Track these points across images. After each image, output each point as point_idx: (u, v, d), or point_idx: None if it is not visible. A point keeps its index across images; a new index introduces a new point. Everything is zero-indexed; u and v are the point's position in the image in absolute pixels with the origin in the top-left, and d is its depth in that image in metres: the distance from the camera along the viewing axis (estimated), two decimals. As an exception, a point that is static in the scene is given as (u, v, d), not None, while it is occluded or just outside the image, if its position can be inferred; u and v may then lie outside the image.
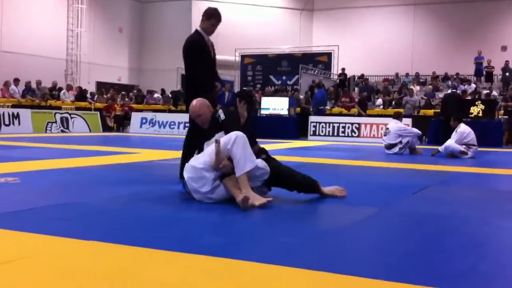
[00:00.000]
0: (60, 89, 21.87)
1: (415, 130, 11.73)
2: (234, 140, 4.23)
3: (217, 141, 4.21)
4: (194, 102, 4.74)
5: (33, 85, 20.89)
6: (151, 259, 2.73)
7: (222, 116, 4.63)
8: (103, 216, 3.89)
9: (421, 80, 26.35)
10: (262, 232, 3.54)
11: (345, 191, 4.77)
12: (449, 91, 19.65)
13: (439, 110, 16.75)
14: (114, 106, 21.50)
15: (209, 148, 4.36)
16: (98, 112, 20.58)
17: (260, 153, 4.55)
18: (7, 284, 2.31)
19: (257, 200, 4.15)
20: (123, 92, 23.59)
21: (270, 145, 13.05)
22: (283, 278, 2.51)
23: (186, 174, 4.39)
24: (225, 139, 4.27)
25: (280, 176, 4.50)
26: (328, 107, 19.63)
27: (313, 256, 2.88)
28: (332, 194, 4.69)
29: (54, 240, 3.05)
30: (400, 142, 11.03)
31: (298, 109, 19.09)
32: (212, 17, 5.96)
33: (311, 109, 18.82)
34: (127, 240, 3.06)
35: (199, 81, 5.72)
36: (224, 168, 4.23)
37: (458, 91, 18.89)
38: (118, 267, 2.61)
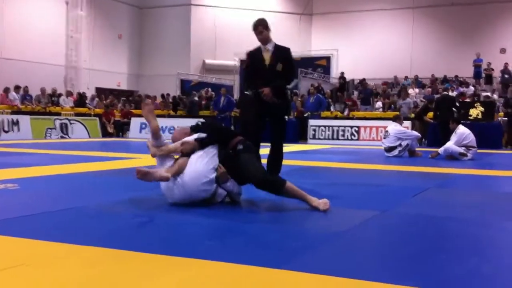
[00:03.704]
0: (60, 95, 21.90)
1: (415, 132, 11.75)
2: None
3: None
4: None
5: (36, 92, 20.86)
6: (152, 264, 2.73)
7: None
8: (103, 221, 3.88)
9: (422, 83, 26.36)
10: (265, 237, 3.53)
11: (328, 204, 4.44)
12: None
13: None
14: (113, 112, 21.53)
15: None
16: (97, 118, 20.59)
17: (235, 145, 4.61)
18: (7, 290, 2.30)
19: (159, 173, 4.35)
20: (123, 98, 23.62)
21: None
22: (288, 282, 2.50)
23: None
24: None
25: (241, 170, 4.49)
26: (333, 110, 19.79)
27: (317, 260, 2.88)
28: (317, 206, 4.40)
29: (54, 246, 3.04)
30: (400, 144, 11.02)
31: (295, 113, 19.11)
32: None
33: (308, 113, 18.76)
34: (127, 245, 3.06)
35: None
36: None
37: (450, 93, 18.86)
38: (119, 273, 2.60)
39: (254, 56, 6.38)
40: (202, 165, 4.39)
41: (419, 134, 12.04)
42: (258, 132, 6.25)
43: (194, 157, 4.46)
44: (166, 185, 4.47)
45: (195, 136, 4.65)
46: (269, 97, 6.06)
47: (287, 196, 4.46)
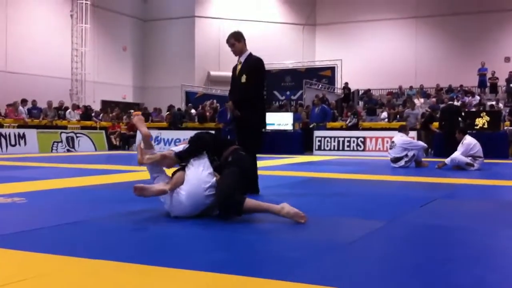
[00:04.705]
0: (66, 108, 21.99)
1: (421, 143, 11.71)
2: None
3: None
4: None
5: (42, 106, 20.95)
6: (157, 276, 2.73)
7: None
8: (109, 234, 3.89)
9: (427, 93, 26.34)
10: (267, 247, 3.53)
11: (305, 217, 4.24)
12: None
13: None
14: (119, 125, 21.62)
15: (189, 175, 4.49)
16: (103, 131, 20.66)
17: (228, 156, 4.62)
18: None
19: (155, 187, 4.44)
20: (131, 110, 23.75)
21: (275, 161, 13.04)
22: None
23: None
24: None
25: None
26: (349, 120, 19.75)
27: (320, 271, 2.87)
28: (290, 217, 4.22)
29: (61, 260, 3.05)
30: (406, 155, 11.00)
31: (300, 124, 19.12)
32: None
33: (314, 124, 18.74)
34: (132, 258, 3.06)
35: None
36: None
37: (455, 103, 18.82)
38: (125, 285, 2.60)
39: (233, 69, 6.47)
40: (199, 173, 4.40)
41: (425, 145, 12.01)
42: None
43: (189, 168, 4.47)
44: (168, 199, 4.48)
45: (180, 148, 4.68)
46: (230, 109, 6.25)
47: (250, 213, 4.35)
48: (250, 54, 6.31)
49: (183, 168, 4.53)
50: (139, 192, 4.35)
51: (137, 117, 5.09)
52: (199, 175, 4.39)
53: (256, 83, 6.25)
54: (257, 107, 6.29)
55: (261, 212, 4.35)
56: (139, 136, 20.57)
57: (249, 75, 6.17)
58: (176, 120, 21.31)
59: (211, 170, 4.46)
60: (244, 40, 6.30)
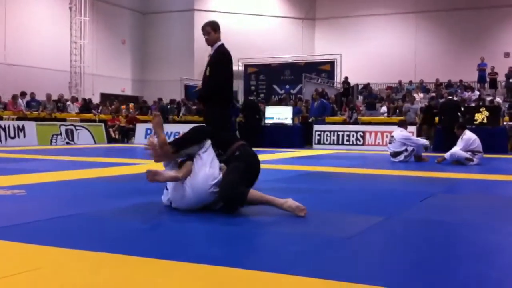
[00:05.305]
0: (65, 101, 21.96)
1: (422, 141, 11.48)
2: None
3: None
4: None
5: (41, 98, 20.92)
6: (155, 269, 2.73)
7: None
8: (107, 227, 3.89)
9: (427, 87, 26.35)
10: (268, 241, 3.53)
11: (305, 210, 4.26)
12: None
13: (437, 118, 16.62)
14: (119, 118, 21.61)
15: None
16: (102, 124, 20.64)
17: (234, 151, 4.61)
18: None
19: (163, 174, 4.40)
20: (130, 104, 23.77)
21: (275, 154, 13.04)
22: (290, 287, 2.49)
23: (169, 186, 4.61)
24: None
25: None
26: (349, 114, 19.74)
27: (320, 265, 2.87)
28: (292, 210, 4.24)
29: (60, 252, 3.05)
30: (406, 150, 11.00)
31: (300, 118, 19.12)
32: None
33: (312, 118, 18.71)
34: (130, 250, 3.06)
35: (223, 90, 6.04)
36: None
37: (455, 98, 18.82)
38: (122, 277, 2.60)
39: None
40: (206, 168, 4.37)
41: (425, 142, 11.74)
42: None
43: (197, 161, 4.43)
44: (173, 190, 4.46)
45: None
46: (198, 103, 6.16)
47: (253, 204, 4.35)
48: (221, 46, 6.08)
49: (191, 159, 4.49)
50: (152, 177, 4.31)
51: (156, 119, 4.75)
52: (207, 170, 4.36)
53: (218, 79, 6.02)
54: (221, 102, 6.09)
55: (264, 204, 4.35)
56: (138, 132, 20.58)
57: (212, 69, 6.01)
58: (164, 114, 21.25)
59: (218, 165, 4.44)
60: (220, 31, 6.10)
